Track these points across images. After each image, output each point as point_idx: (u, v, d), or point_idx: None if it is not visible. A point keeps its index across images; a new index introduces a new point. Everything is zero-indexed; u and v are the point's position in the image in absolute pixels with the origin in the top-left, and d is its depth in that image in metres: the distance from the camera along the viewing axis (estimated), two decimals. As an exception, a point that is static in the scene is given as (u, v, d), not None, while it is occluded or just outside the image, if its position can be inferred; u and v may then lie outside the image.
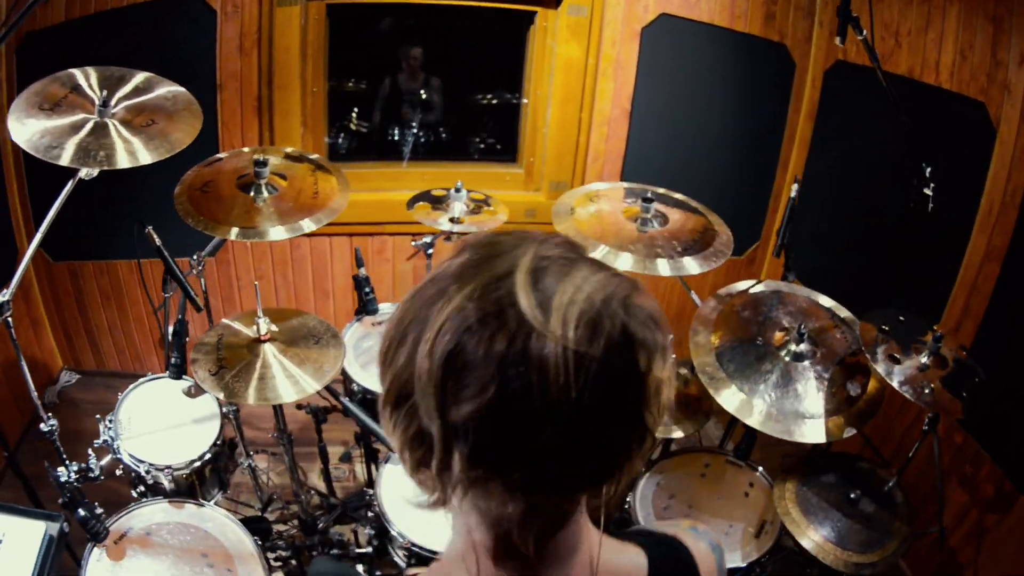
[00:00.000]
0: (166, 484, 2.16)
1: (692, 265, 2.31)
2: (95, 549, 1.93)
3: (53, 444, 2.09)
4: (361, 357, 2.58)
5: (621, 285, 0.70)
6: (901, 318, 2.08)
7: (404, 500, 2.11)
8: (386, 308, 2.79)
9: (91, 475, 2.13)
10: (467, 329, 0.65)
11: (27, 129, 1.83)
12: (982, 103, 2.35)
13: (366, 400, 2.46)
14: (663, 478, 2.37)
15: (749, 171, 3.42)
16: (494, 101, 3.70)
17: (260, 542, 2.08)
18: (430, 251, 2.76)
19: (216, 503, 2.28)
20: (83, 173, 1.88)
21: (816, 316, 2.32)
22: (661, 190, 2.63)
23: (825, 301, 2.35)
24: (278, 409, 2.33)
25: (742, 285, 2.46)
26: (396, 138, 3.75)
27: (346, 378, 2.51)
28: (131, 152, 1.91)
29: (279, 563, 2.56)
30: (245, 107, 3.01)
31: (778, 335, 2.24)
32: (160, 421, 2.27)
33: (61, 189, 1.90)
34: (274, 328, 2.23)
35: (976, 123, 2.37)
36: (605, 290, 0.68)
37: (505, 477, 0.69)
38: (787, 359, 2.14)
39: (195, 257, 2.39)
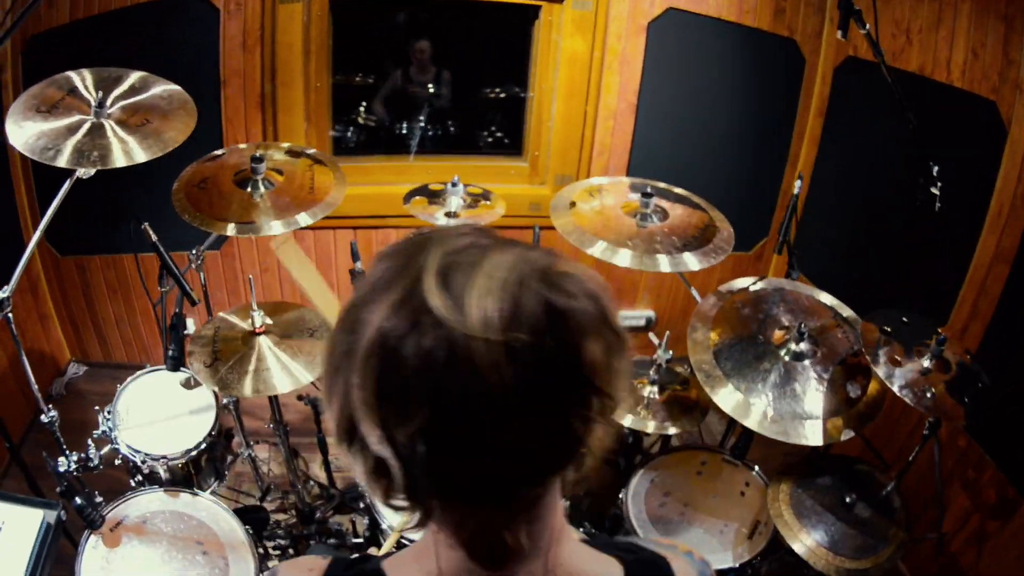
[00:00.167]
0: (162, 474, 2.18)
1: (692, 261, 2.29)
2: (92, 536, 1.96)
3: (53, 435, 2.13)
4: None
5: (535, 260, 0.68)
6: (904, 319, 2.03)
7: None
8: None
9: (90, 465, 2.16)
10: (390, 351, 0.64)
11: (24, 132, 1.86)
12: (993, 102, 2.30)
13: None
14: (658, 475, 2.34)
15: (757, 167, 3.37)
16: (502, 95, 3.69)
17: (251, 531, 2.09)
18: (431, 245, 2.75)
19: (214, 492, 2.31)
20: (80, 172, 1.91)
21: (818, 315, 2.28)
22: (662, 185, 2.60)
23: (828, 300, 2.31)
24: (273, 400, 2.35)
25: (743, 282, 2.43)
26: (404, 132, 3.76)
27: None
28: (127, 151, 1.93)
29: (277, 551, 2.58)
30: (249, 103, 3.02)
31: (778, 334, 2.20)
32: (157, 412, 2.30)
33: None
34: (269, 321, 2.25)
35: (987, 122, 2.32)
36: (518, 270, 0.66)
37: (467, 481, 0.68)
38: (786, 358, 2.10)
39: (194, 252, 2.41)
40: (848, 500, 1.93)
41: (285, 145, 2.56)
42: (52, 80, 2.01)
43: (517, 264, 0.66)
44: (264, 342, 2.20)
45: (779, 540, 2.00)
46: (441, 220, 2.54)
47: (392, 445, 0.66)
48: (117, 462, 2.21)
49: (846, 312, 2.26)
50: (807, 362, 2.10)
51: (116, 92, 2.04)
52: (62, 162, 1.83)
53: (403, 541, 1.82)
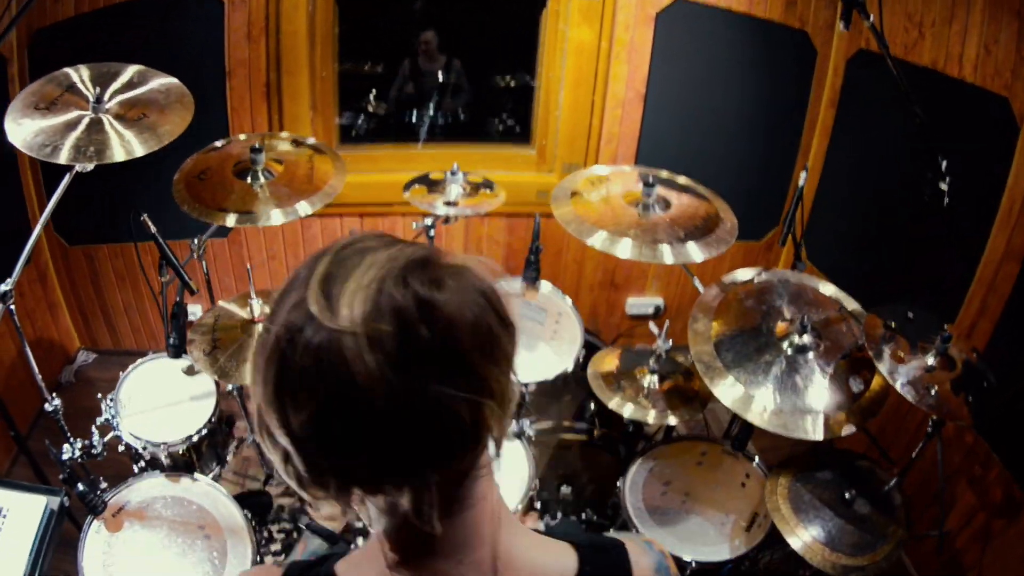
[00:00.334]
0: (163, 460, 2.21)
1: (695, 252, 2.26)
2: (94, 522, 2.00)
3: (57, 423, 2.16)
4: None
5: (410, 255, 0.72)
6: (910, 315, 1.99)
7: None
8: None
9: (94, 451, 2.20)
10: (283, 351, 0.69)
11: (23, 130, 1.87)
12: (1005, 98, 2.25)
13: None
14: (657, 464, 2.33)
15: (768, 157, 3.32)
16: (512, 83, 3.67)
17: (251, 516, 2.12)
18: (431, 233, 2.75)
19: (215, 477, 2.34)
20: (79, 167, 1.92)
21: (823, 307, 2.25)
22: (665, 174, 2.58)
23: (833, 292, 2.28)
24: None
25: (747, 273, 2.39)
26: (414, 120, 3.75)
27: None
28: (125, 146, 1.94)
29: (281, 534, 2.61)
30: (254, 93, 3.02)
31: (780, 326, 2.17)
32: (159, 399, 2.33)
33: (73, 179, 1.94)
34: (267, 310, 2.26)
35: (999, 119, 2.26)
36: (389, 265, 0.70)
37: (363, 469, 0.72)
38: (789, 351, 2.06)
39: (195, 241, 2.42)
40: (848, 496, 1.90)
41: (284, 135, 2.56)
42: (51, 77, 2.02)
43: (390, 261, 0.70)
44: (263, 331, 2.21)
45: (777, 534, 1.98)
46: (440, 209, 2.53)
47: (291, 437, 0.70)
48: (121, 448, 2.24)
49: (851, 305, 2.23)
50: (810, 355, 2.06)
51: (114, 87, 2.04)
52: (61, 159, 1.84)
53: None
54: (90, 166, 1.91)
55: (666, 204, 2.44)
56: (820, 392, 1.98)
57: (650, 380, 2.38)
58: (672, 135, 3.25)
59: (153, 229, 2.11)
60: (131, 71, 2.12)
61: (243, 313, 2.32)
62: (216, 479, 2.30)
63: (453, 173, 2.60)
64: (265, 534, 2.38)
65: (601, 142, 3.30)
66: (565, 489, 2.68)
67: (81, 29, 2.78)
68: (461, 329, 0.69)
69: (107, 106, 1.98)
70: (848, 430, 1.91)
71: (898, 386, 1.78)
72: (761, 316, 2.21)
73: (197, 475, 2.16)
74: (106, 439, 2.21)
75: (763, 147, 3.30)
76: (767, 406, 1.95)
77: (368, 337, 0.65)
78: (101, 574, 1.89)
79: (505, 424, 0.77)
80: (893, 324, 1.96)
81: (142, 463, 2.23)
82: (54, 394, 2.14)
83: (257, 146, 2.30)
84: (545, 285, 2.73)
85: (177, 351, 2.27)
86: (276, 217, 2.23)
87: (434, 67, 3.73)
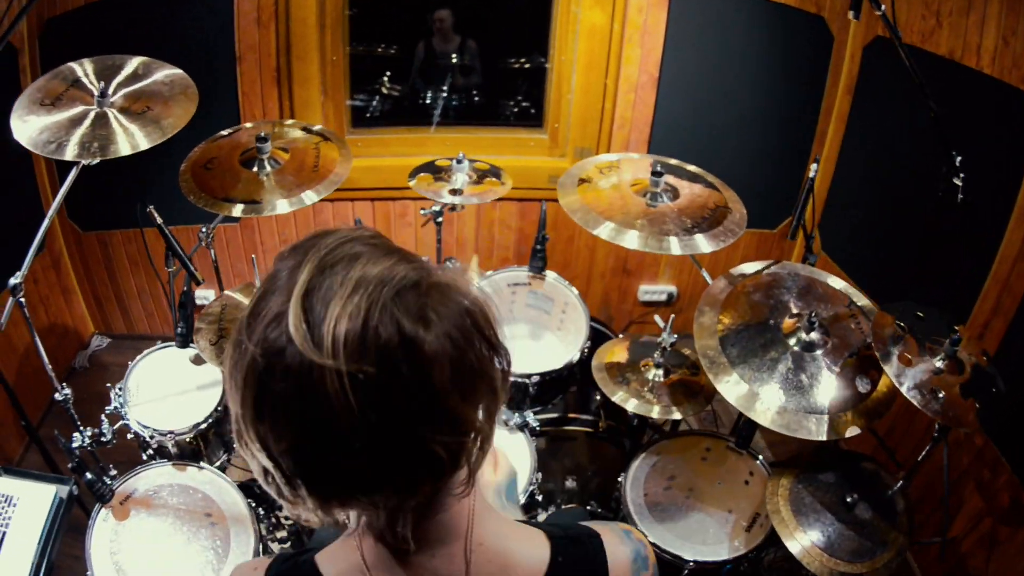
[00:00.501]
0: (170, 448, 2.24)
1: (703, 243, 2.22)
2: (102, 510, 2.04)
3: (67, 412, 2.20)
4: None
5: (401, 277, 0.69)
6: (920, 314, 1.94)
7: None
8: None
9: (103, 439, 2.24)
10: (261, 376, 0.68)
11: (28, 127, 1.88)
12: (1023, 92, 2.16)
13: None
14: (661, 459, 2.32)
15: (784, 144, 3.25)
16: (526, 65, 3.62)
17: (257, 504, 2.14)
18: (439, 219, 2.73)
19: (222, 465, 2.37)
20: (84, 160, 1.93)
21: (833, 302, 2.20)
22: (674, 161, 2.53)
23: (844, 287, 2.23)
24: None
25: (755, 265, 2.35)
26: (428, 102, 3.72)
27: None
28: (130, 139, 1.95)
29: (288, 521, 2.65)
30: (264, 78, 3.02)
31: (788, 322, 2.13)
32: (167, 388, 2.36)
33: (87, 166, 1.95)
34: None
35: (1017, 113, 2.18)
36: (377, 291, 0.67)
37: (348, 496, 0.74)
38: (795, 348, 2.02)
39: (204, 230, 2.43)
40: (849, 500, 1.87)
41: (290, 122, 2.54)
42: (56, 72, 2.03)
43: (378, 283, 0.68)
44: (267, 322, 2.22)
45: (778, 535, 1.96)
46: (446, 198, 2.52)
47: (270, 458, 0.71)
48: (130, 436, 2.28)
49: (862, 301, 2.18)
50: (817, 353, 2.02)
51: (118, 79, 2.05)
52: (67, 155, 1.85)
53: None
54: (95, 160, 1.92)
55: (675, 193, 2.40)
56: (826, 391, 1.94)
57: (655, 374, 2.36)
58: (686, 120, 3.19)
59: (159, 220, 2.12)
60: (135, 63, 2.12)
61: (248, 302, 2.33)
62: (223, 467, 2.34)
63: (459, 161, 2.58)
64: (272, 520, 2.41)
65: (614, 127, 3.25)
66: (570, 482, 2.69)
67: (92, 17, 2.79)
68: (442, 371, 0.69)
69: (112, 100, 1.99)
70: (853, 431, 1.88)
71: (904, 390, 1.73)
72: (769, 310, 2.17)
73: (203, 464, 2.19)
74: (115, 427, 2.24)
75: (778, 134, 3.23)
76: (771, 404, 1.92)
77: (350, 375, 0.64)
78: (107, 562, 1.93)
79: (483, 456, 0.78)
80: (903, 324, 1.91)
81: (150, 451, 2.25)
82: (64, 384, 2.18)
83: (263, 135, 2.29)
84: (551, 275, 2.70)
85: (185, 341, 2.29)
86: (282, 206, 2.23)
87: (449, 48, 3.69)
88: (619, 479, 2.27)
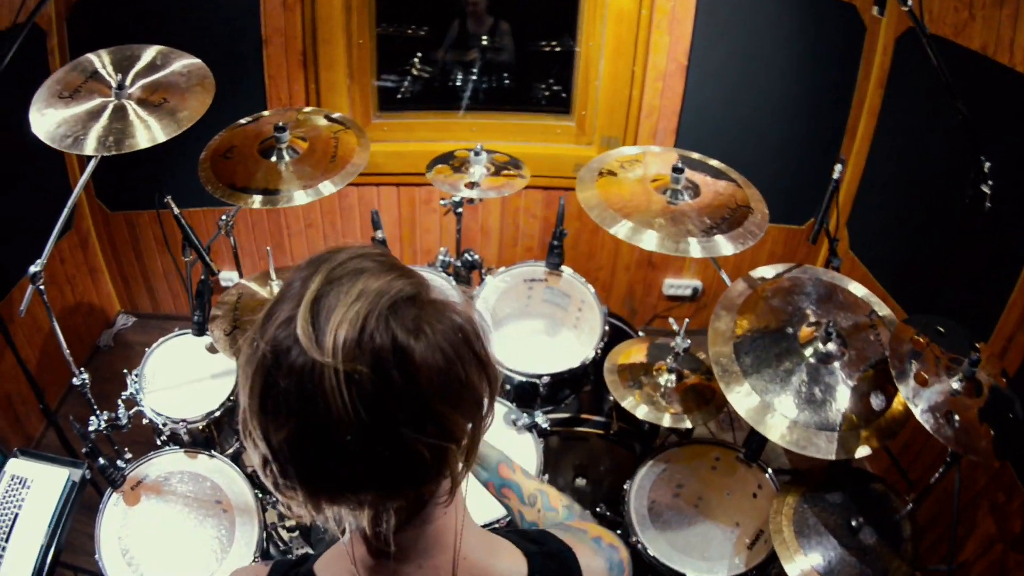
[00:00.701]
0: (183, 436, 2.28)
1: (723, 245, 2.15)
2: (113, 494, 2.09)
3: (85, 397, 2.25)
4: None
5: (399, 290, 0.75)
6: (941, 329, 1.85)
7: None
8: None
9: (119, 424, 2.29)
10: (270, 370, 0.73)
11: (46, 120, 1.89)
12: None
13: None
14: (669, 467, 2.28)
15: (813, 136, 3.13)
16: (558, 48, 3.54)
17: (261, 495, 2.18)
18: (459, 210, 2.70)
19: (235, 453, 2.41)
20: (102, 153, 1.93)
21: (853, 311, 2.12)
22: (696, 155, 2.44)
23: (865, 295, 2.14)
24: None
25: (777, 268, 2.27)
26: (458, 84, 3.67)
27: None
28: (148, 131, 1.96)
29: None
30: (291, 61, 3.01)
31: (805, 330, 2.04)
32: (182, 376, 2.39)
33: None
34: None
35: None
36: (376, 301, 0.73)
37: (337, 491, 0.78)
38: (811, 359, 1.95)
39: (223, 218, 2.45)
40: (855, 523, 1.80)
41: (308, 109, 2.53)
42: (75, 64, 2.05)
43: (378, 297, 0.74)
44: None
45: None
46: (462, 191, 2.48)
47: (270, 448, 0.76)
48: (145, 422, 2.33)
49: (883, 311, 2.09)
50: (833, 365, 1.95)
51: (135, 70, 2.05)
52: (86, 150, 1.87)
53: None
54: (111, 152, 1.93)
55: (696, 191, 2.31)
56: (839, 407, 1.87)
57: (667, 379, 2.31)
58: (715, 110, 3.10)
59: (176, 210, 2.14)
60: (152, 52, 2.12)
61: (264, 292, 2.35)
62: (236, 456, 2.38)
63: (477, 153, 2.55)
64: (281, 510, 2.45)
65: (641, 115, 3.17)
66: (580, 481, 2.67)
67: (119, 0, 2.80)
68: (431, 378, 0.74)
69: (130, 91, 1.99)
70: (864, 451, 1.81)
71: (918, 412, 1.66)
72: (786, 317, 2.09)
73: (214, 452, 2.23)
74: (131, 413, 2.30)
75: (808, 126, 3.12)
76: (782, 419, 1.86)
77: (346, 374, 0.70)
78: (115, 545, 1.98)
79: (467, 465, 0.83)
80: (922, 339, 1.83)
81: (163, 437, 2.30)
82: (82, 368, 2.23)
83: (281, 125, 2.28)
84: (568, 271, 2.66)
85: (201, 329, 2.32)
86: (299, 197, 2.23)
87: (481, 29, 3.64)
88: (624, 486, 2.24)
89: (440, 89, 3.67)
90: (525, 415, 2.37)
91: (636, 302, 3.80)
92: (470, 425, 0.81)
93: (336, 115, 2.49)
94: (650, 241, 2.14)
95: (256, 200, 2.20)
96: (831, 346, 1.96)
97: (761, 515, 2.10)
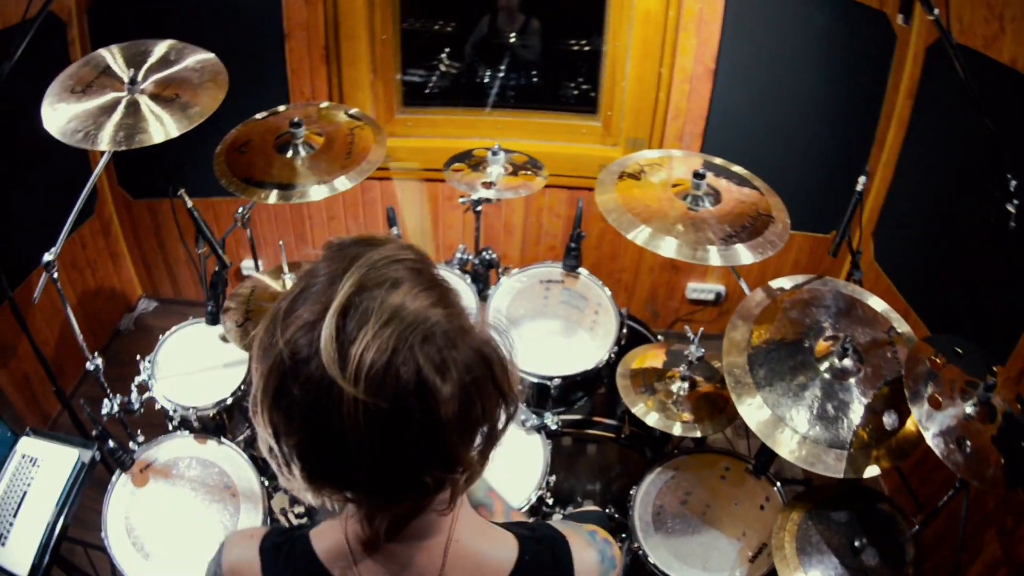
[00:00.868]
0: (193, 422, 2.31)
1: (744, 254, 2.11)
2: (122, 475, 2.12)
3: (99, 381, 2.29)
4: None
5: (432, 321, 0.73)
6: (959, 350, 1.79)
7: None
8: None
9: (131, 408, 2.33)
10: (287, 374, 0.73)
11: (57, 115, 1.91)
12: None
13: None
14: (678, 474, 2.25)
15: (841, 145, 3.06)
16: (587, 47, 3.51)
17: (267, 483, 2.19)
18: (478, 208, 2.69)
19: (246, 440, 2.43)
20: (115, 148, 1.95)
21: (873, 326, 2.06)
22: (719, 160, 2.40)
23: (885, 310, 2.08)
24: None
25: (797, 279, 2.22)
26: (486, 81, 3.66)
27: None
28: (162, 126, 1.97)
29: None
30: (313, 56, 3.02)
31: (822, 344, 1.99)
32: (194, 363, 2.42)
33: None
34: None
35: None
36: (406, 333, 0.71)
37: (338, 489, 0.79)
38: (826, 374, 1.90)
39: (240, 210, 2.47)
40: (857, 544, 1.75)
41: (324, 104, 2.53)
42: (88, 59, 2.06)
43: (411, 323, 0.72)
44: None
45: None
46: (479, 191, 2.47)
47: (276, 443, 0.77)
48: (158, 407, 2.36)
49: (903, 327, 2.03)
50: (848, 381, 1.90)
51: (147, 65, 2.07)
52: (102, 145, 1.88)
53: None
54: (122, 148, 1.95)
55: (717, 197, 2.27)
56: (852, 424, 1.82)
57: (679, 386, 2.27)
58: (742, 115, 3.04)
59: (189, 203, 2.16)
60: (164, 47, 2.14)
61: (276, 285, 2.37)
62: (247, 443, 2.39)
63: (495, 152, 2.52)
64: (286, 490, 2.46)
65: (668, 117, 3.13)
66: (590, 483, 2.65)
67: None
68: (450, 418, 0.73)
69: (142, 86, 2.01)
70: (872, 471, 1.76)
71: (929, 436, 1.60)
72: (803, 330, 2.05)
73: (223, 439, 2.25)
74: (143, 398, 2.33)
75: (836, 134, 3.05)
76: (793, 434, 1.82)
77: (365, 404, 0.69)
78: (121, 525, 2.02)
79: (467, 485, 0.84)
80: (939, 359, 1.77)
81: (175, 422, 2.33)
82: (95, 353, 2.26)
83: (296, 120, 2.29)
84: (584, 273, 2.63)
85: (214, 319, 2.34)
86: (315, 192, 2.23)
87: (512, 27, 3.62)
88: (631, 491, 2.22)
89: (467, 86, 3.67)
90: (534, 416, 2.35)
91: (658, 305, 3.76)
92: (479, 454, 0.82)
93: (353, 111, 2.50)
94: (668, 248, 2.09)
95: (272, 195, 2.21)
96: (847, 362, 1.91)
97: (767, 528, 2.05)
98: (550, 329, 2.70)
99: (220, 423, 2.37)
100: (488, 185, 2.47)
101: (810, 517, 1.86)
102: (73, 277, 3.10)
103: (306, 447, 0.75)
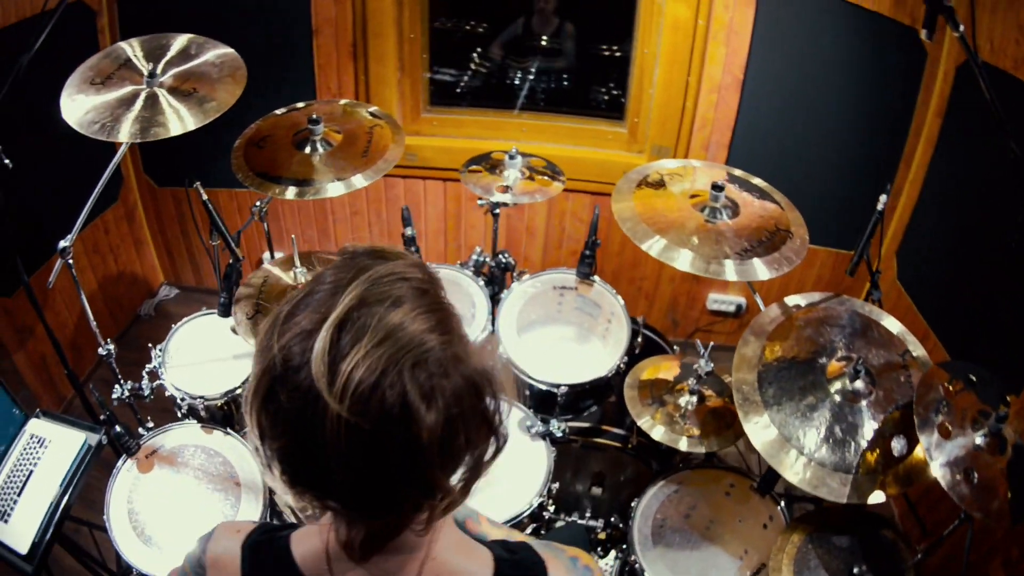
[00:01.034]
0: (200, 412, 2.33)
1: (760, 269, 2.07)
2: (128, 460, 2.15)
3: (110, 366, 2.33)
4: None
5: (421, 350, 0.72)
6: (973, 377, 1.73)
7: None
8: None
9: (141, 394, 2.37)
10: (277, 380, 0.73)
11: (76, 106, 1.94)
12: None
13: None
14: (683, 488, 2.21)
15: (868, 160, 2.99)
16: (618, 53, 3.48)
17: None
18: (496, 211, 2.68)
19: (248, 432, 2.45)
20: (133, 140, 1.98)
21: (888, 348, 2.00)
22: (739, 172, 2.36)
23: (900, 331, 2.02)
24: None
25: (814, 296, 2.17)
26: (515, 83, 3.66)
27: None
28: (180, 119, 2.00)
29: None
30: (341, 52, 3.04)
31: (834, 365, 1.94)
32: (205, 354, 2.45)
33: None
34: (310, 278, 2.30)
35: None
36: (397, 356, 0.70)
37: (317, 497, 0.79)
38: (836, 396, 1.85)
39: (257, 204, 2.49)
40: (856, 571, 1.70)
41: (343, 101, 2.55)
42: (108, 51, 2.10)
43: (405, 347, 0.71)
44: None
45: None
46: (495, 196, 2.46)
47: (261, 445, 0.78)
48: (167, 394, 2.39)
49: (918, 351, 1.97)
50: (859, 404, 1.85)
51: (167, 58, 2.10)
52: (121, 137, 1.91)
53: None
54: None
55: (735, 210, 2.23)
56: (859, 448, 1.77)
57: (687, 400, 2.24)
58: (769, 126, 2.99)
59: (204, 196, 2.18)
60: (182, 41, 2.16)
61: (287, 278, 2.38)
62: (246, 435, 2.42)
63: (512, 157, 2.51)
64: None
65: (694, 126, 3.09)
66: (596, 490, 2.62)
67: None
68: (432, 447, 0.73)
69: (161, 79, 2.04)
70: (877, 498, 1.71)
71: (935, 466, 1.56)
72: (816, 349, 2.00)
73: (230, 430, 2.27)
74: (154, 385, 2.36)
75: (863, 150, 2.98)
76: (799, 456, 1.78)
77: (348, 422, 0.69)
78: (123, 508, 2.04)
79: (448, 510, 0.84)
80: (952, 387, 1.71)
81: (184, 410, 2.36)
82: (108, 340, 2.30)
83: (315, 117, 2.31)
84: (598, 281, 2.60)
85: (226, 310, 2.37)
86: (332, 189, 2.24)
87: (546, 30, 3.62)
88: (632, 503, 2.19)
89: (496, 87, 3.67)
90: (540, 422, 2.34)
91: (678, 314, 3.71)
92: (462, 482, 0.82)
93: (373, 109, 2.50)
94: (683, 260, 2.06)
95: (289, 191, 2.22)
96: (859, 384, 1.86)
97: (769, 547, 2.00)
98: (563, 335, 2.69)
99: (227, 414, 2.40)
100: (504, 189, 2.45)
101: (811, 540, 1.82)
102: (95, 262, 3.16)
103: (288, 453, 0.76)
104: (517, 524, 2.11)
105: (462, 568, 0.92)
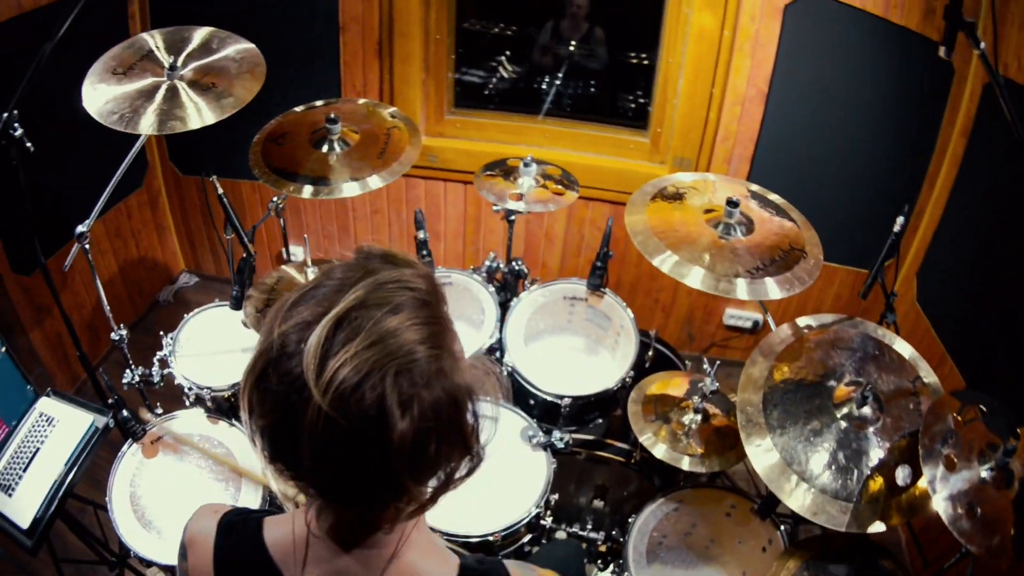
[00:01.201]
0: (207, 402, 2.36)
1: (772, 288, 2.03)
2: (133, 445, 2.18)
3: (122, 351, 2.36)
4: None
5: (408, 359, 0.74)
6: (983, 408, 1.69)
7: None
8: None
9: (151, 380, 2.40)
10: (272, 362, 0.77)
11: (97, 95, 1.97)
12: None
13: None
14: (683, 507, 2.18)
15: (891, 179, 2.93)
16: (645, 61, 3.46)
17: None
18: (511, 217, 2.67)
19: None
20: (151, 133, 2.01)
21: (899, 373, 1.96)
22: (756, 187, 2.32)
23: (912, 356, 1.98)
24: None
25: (826, 317, 2.12)
26: (542, 88, 3.65)
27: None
28: (198, 113, 2.03)
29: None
30: (367, 50, 3.06)
31: (842, 390, 1.90)
32: (214, 345, 2.47)
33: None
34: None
35: None
36: (383, 361, 0.73)
37: (292, 478, 0.82)
38: (843, 422, 1.81)
39: (275, 199, 2.51)
40: (851, 602, 1.68)
41: (362, 101, 2.56)
42: (131, 42, 2.13)
43: (392, 354, 0.74)
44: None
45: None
46: (508, 203, 2.45)
47: (249, 420, 0.81)
48: (177, 382, 2.42)
49: (929, 378, 1.93)
50: (866, 431, 1.80)
51: (187, 51, 2.12)
52: (141, 129, 1.94)
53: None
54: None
55: (749, 227, 2.20)
56: (862, 476, 1.73)
57: (691, 418, 2.20)
58: (793, 140, 2.94)
59: (220, 190, 2.21)
60: (204, 34, 2.19)
61: (301, 278, 2.40)
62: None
63: (526, 164, 2.50)
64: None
65: (717, 139, 3.05)
66: (598, 503, 2.60)
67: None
68: (403, 453, 0.75)
69: (182, 72, 2.07)
70: (878, 528, 1.68)
71: (937, 499, 1.52)
72: (825, 372, 1.96)
73: (235, 421, 2.29)
74: (164, 372, 2.40)
75: (887, 167, 2.92)
76: (800, 482, 1.74)
77: (327, 415, 0.72)
78: (125, 489, 2.08)
79: (416, 514, 0.87)
80: (961, 417, 1.67)
81: (191, 399, 2.39)
82: (121, 325, 2.34)
83: (332, 116, 2.32)
84: (609, 294, 2.58)
85: (237, 303, 2.39)
86: (348, 189, 2.27)
87: (576, 34, 3.61)
88: (629, 519, 2.16)
89: (522, 91, 3.66)
90: (542, 433, 2.32)
91: (694, 328, 3.67)
92: (432, 493, 0.84)
93: (392, 110, 2.51)
94: (694, 277, 2.02)
95: (306, 190, 2.24)
96: (866, 410, 1.82)
97: (766, 571, 1.98)
98: (573, 346, 2.67)
99: (234, 405, 2.42)
100: (517, 197, 2.45)
101: (807, 568, 1.78)
102: (117, 246, 3.21)
103: (270, 431, 0.79)
104: (513, 533, 2.10)
105: (427, 571, 0.94)
